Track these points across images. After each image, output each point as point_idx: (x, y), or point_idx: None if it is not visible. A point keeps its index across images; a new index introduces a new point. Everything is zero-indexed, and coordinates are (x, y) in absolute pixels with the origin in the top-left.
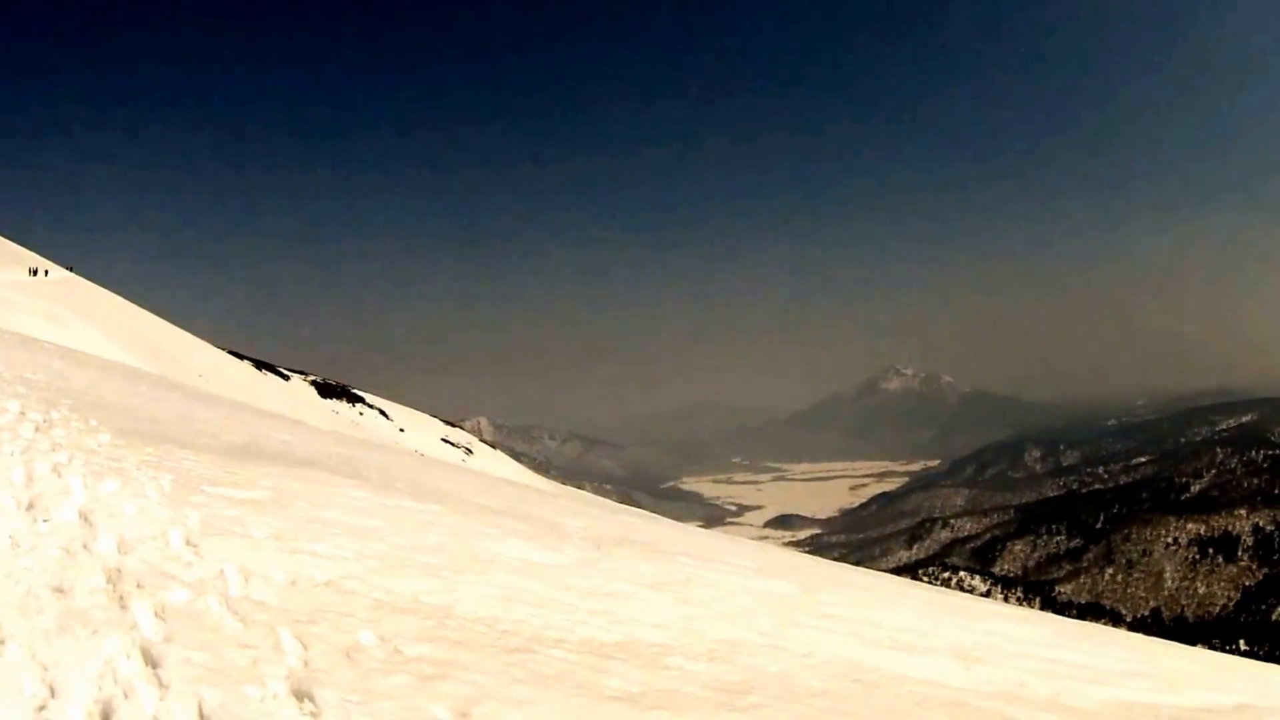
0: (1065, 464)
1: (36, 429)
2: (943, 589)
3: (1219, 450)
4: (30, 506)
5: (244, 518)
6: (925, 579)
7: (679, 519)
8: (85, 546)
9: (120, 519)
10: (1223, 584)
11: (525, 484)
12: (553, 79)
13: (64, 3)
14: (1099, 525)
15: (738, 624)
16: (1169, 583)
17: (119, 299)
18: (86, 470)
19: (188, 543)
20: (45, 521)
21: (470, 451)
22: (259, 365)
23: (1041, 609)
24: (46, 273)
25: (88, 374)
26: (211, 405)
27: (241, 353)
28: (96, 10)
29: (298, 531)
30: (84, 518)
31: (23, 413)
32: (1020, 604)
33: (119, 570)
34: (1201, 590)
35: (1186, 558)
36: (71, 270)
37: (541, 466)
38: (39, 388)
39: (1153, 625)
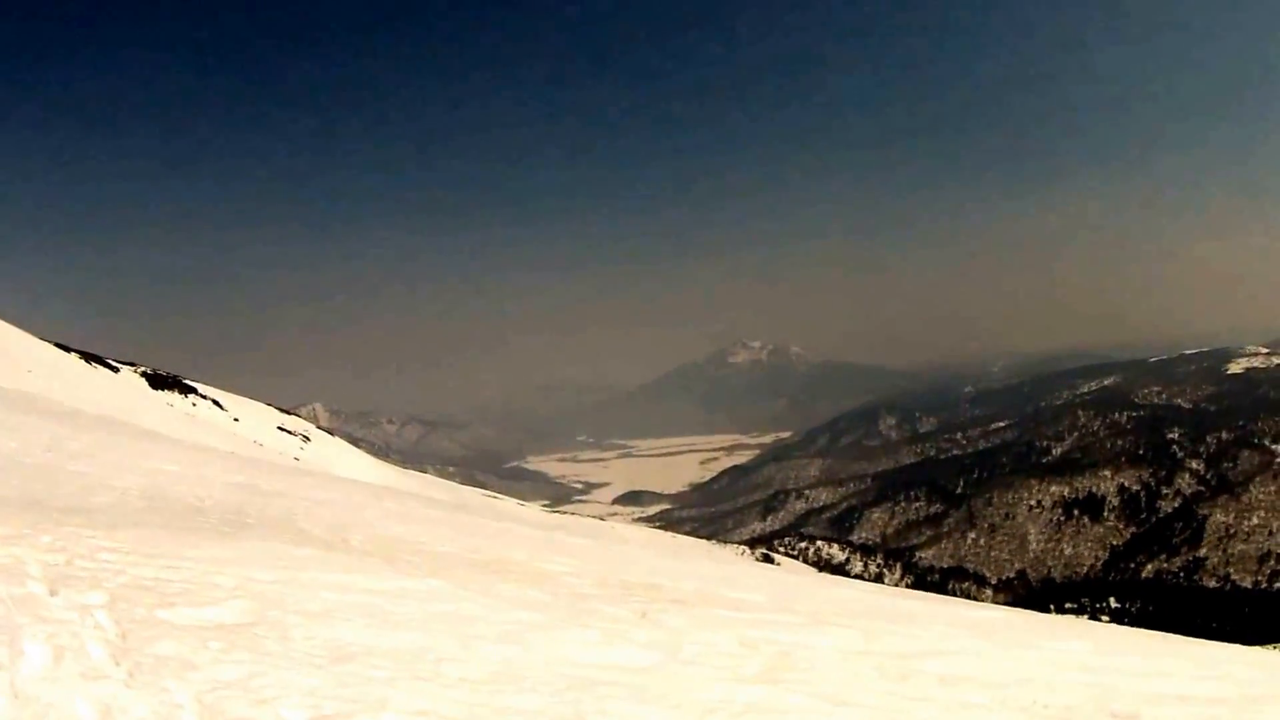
0: (922, 431)
1: None
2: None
3: (1080, 413)
4: None
5: (249, 680)
6: (782, 549)
7: (525, 498)
8: None
9: None
10: (1090, 544)
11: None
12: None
13: None
14: (959, 490)
15: None
16: (1034, 545)
17: None
18: None
19: None
20: None
21: (308, 439)
22: (87, 358)
23: (902, 574)
24: None
25: None
26: (68, 424)
27: (67, 345)
28: None
29: (333, 690)
30: None
31: None
32: (881, 570)
33: None
34: (1068, 551)
35: (1051, 519)
36: None
37: (381, 451)
38: None
39: (1019, 586)
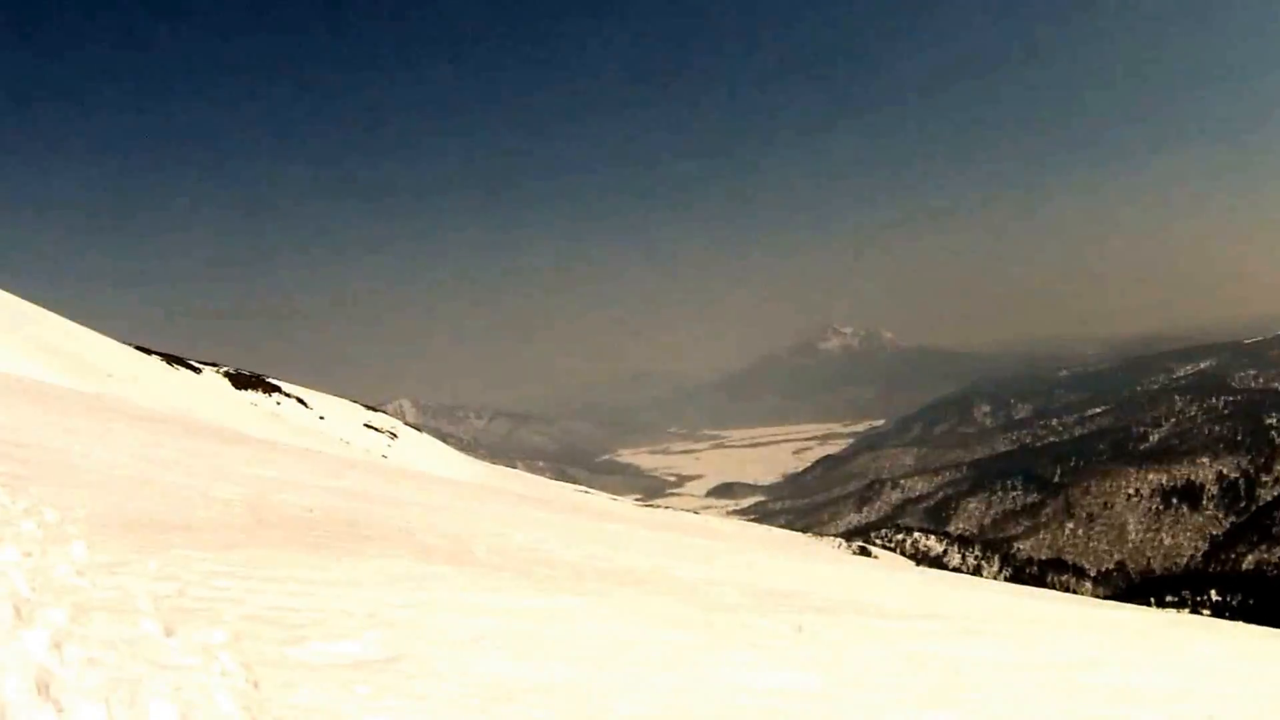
0: (1017, 417)
1: None
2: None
3: (1177, 398)
4: None
5: None
6: (879, 542)
7: (617, 493)
8: None
9: None
10: (1189, 534)
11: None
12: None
13: None
14: (1056, 479)
15: None
16: (1133, 535)
17: (12, 298)
18: (105, 683)
19: None
20: None
21: (395, 436)
22: (169, 359)
23: (1000, 567)
24: None
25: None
26: (157, 429)
27: (149, 347)
28: None
29: None
30: None
31: None
32: (979, 562)
33: None
34: (1167, 541)
35: (1150, 509)
36: None
37: (469, 447)
38: None
39: (1118, 579)
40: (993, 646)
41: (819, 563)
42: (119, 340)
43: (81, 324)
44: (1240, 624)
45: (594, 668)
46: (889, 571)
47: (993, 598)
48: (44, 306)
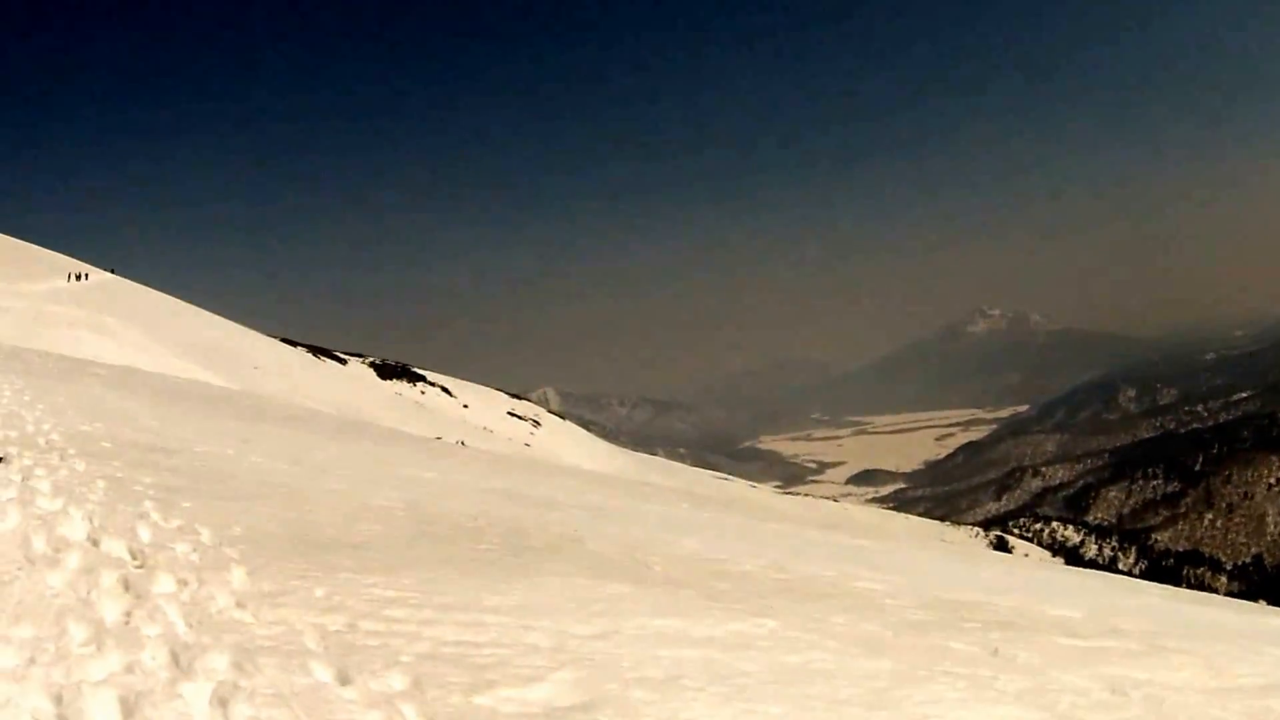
0: (1161, 403)
1: (121, 594)
2: None
3: None
4: None
5: None
6: (1016, 531)
7: (756, 480)
8: None
9: None
10: None
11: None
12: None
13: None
14: (1198, 467)
15: None
16: (1272, 527)
17: (162, 296)
18: None
19: None
20: None
21: (538, 423)
22: (314, 351)
23: (1137, 559)
24: (85, 276)
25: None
26: (308, 428)
27: (294, 339)
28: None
29: None
30: None
31: (94, 540)
32: (1115, 554)
33: None
34: None
35: None
36: (113, 273)
37: (611, 434)
38: (96, 454)
39: (1254, 573)
40: (1183, 667)
41: (983, 565)
42: (264, 334)
43: (227, 318)
44: None
45: (801, 709)
46: (1050, 572)
47: (1157, 603)
48: (189, 301)
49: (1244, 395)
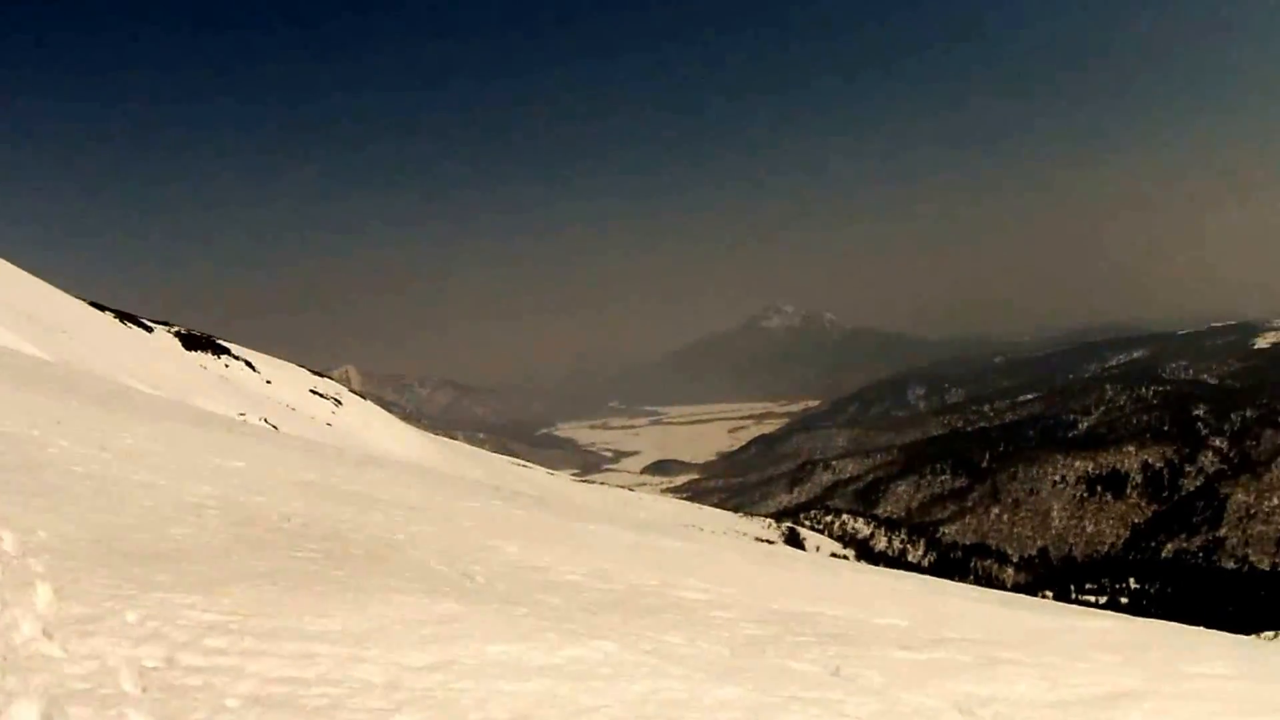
0: (950, 402)
1: None
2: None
3: (1109, 387)
4: None
5: None
6: (808, 523)
7: (554, 467)
8: None
9: None
10: (1111, 522)
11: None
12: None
13: None
14: (985, 464)
15: None
16: (1056, 521)
17: None
18: None
19: None
20: None
21: (339, 402)
22: (121, 316)
23: (926, 551)
24: None
25: None
26: (118, 407)
27: (102, 303)
28: None
29: None
30: None
31: None
32: (905, 546)
33: None
34: (1090, 529)
35: (1074, 496)
36: None
37: (411, 416)
38: None
39: (1039, 565)
40: (1018, 679)
41: (796, 567)
42: (68, 293)
43: (38, 277)
44: (1246, 638)
45: None
46: (863, 574)
47: (974, 607)
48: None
49: (1030, 397)
